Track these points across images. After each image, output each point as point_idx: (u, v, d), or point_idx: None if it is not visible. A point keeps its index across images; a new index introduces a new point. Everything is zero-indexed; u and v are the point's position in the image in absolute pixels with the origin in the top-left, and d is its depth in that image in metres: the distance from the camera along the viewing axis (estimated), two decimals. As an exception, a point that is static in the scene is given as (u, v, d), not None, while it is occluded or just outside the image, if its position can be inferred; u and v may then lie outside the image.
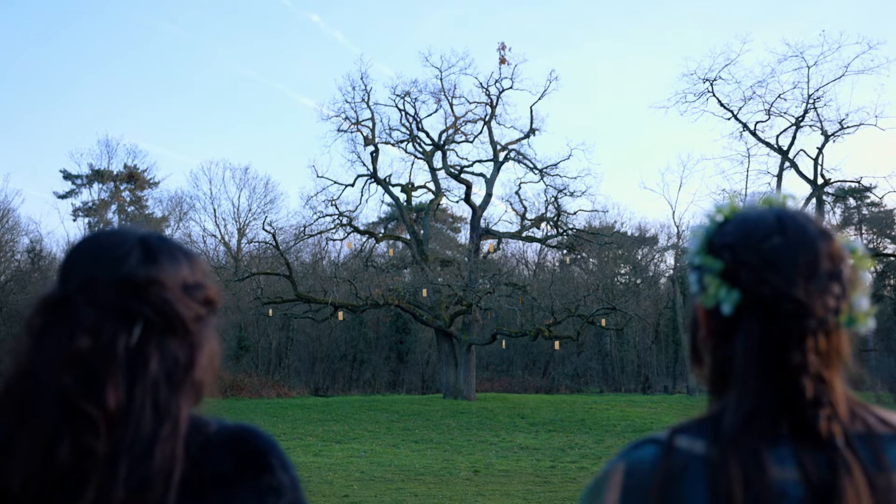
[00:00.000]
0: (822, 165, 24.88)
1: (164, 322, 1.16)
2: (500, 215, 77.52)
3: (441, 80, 34.56)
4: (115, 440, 1.09)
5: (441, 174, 35.44)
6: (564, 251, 40.02)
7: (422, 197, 37.66)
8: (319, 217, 34.53)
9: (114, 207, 50.06)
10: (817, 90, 24.65)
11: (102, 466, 1.08)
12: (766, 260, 1.13)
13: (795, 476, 1.06)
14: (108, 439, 1.08)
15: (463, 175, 35.00)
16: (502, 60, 34.47)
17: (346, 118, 34.67)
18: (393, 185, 35.45)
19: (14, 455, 1.08)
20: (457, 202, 37.38)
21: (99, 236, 1.22)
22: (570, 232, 35.69)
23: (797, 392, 1.09)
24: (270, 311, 33.73)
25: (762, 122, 25.62)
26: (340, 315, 32.39)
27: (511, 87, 34.71)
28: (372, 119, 34.84)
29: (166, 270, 1.19)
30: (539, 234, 36.49)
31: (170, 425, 1.13)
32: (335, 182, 34.86)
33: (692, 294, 1.23)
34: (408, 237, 35.67)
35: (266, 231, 32.50)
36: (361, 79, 34.64)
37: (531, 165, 35.01)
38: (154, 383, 1.13)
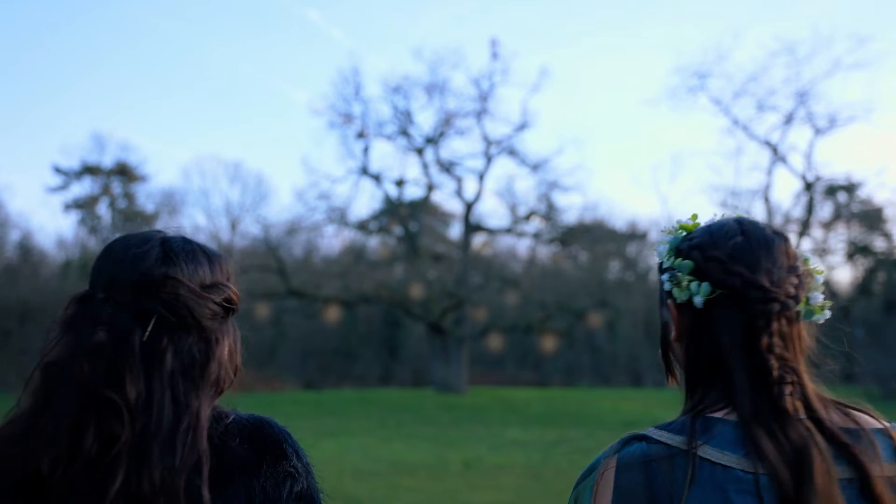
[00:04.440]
0: (812, 161, 24.95)
1: (178, 319, 1.24)
2: (491, 210, 77.59)
3: (433, 74, 34.57)
4: (139, 429, 1.16)
5: (433, 169, 35.46)
6: (556, 247, 40.10)
7: (413, 192, 37.66)
8: (311, 212, 34.52)
9: (105, 202, 49.89)
10: (808, 86, 24.72)
11: (128, 454, 1.15)
12: (732, 255, 1.27)
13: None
14: (132, 428, 1.15)
15: (454, 170, 35.02)
16: (494, 56, 34.48)
17: (338, 113, 34.64)
18: (385, 180, 35.45)
19: (42, 438, 1.15)
20: (449, 197, 37.43)
21: (126, 238, 1.32)
22: (561, 227, 35.75)
23: (766, 372, 1.22)
24: (264, 310, 33.70)
25: (753, 117, 25.65)
26: (333, 313, 32.40)
27: (503, 83, 34.76)
28: (364, 114, 34.82)
29: (183, 270, 1.29)
30: (530, 229, 36.56)
31: (189, 417, 1.20)
32: (327, 177, 34.84)
33: (662, 297, 1.37)
34: (399, 232, 35.67)
35: (258, 226, 32.47)
36: (353, 74, 34.62)
37: (523, 160, 35.05)
38: (171, 377, 1.21)
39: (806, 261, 1.34)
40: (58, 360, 1.19)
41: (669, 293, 1.33)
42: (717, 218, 1.40)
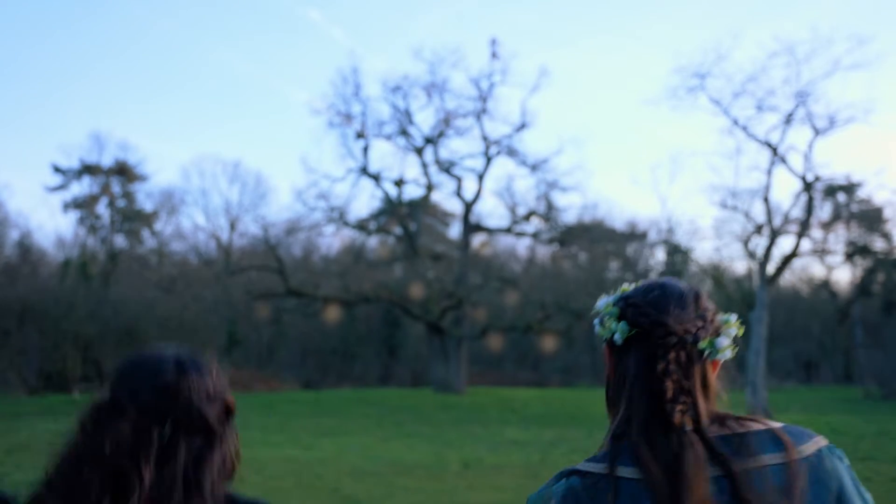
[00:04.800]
0: (812, 161, 24.92)
1: (191, 420, 1.49)
2: (490, 210, 77.59)
3: (432, 74, 34.56)
4: None
5: (432, 169, 35.45)
6: (555, 246, 40.09)
7: (413, 191, 37.67)
8: (310, 211, 34.51)
9: (104, 201, 49.86)
10: (808, 86, 24.70)
11: None
12: (648, 302, 1.56)
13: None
14: None
15: (454, 170, 35.01)
16: (494, 55, 34.47)
17: (338, 112, 34.62)
18: (384, 180, 35.44)
19: None
20: (448, 197, 37.42)
21: (142, 355, 1.57)
22: (560, 227, 35.75)
23: (662, 393, 1.47)
24: (264, 309, 33.72)
25: (752, 117, 25.62)
26: (332, 313, 32.39)
27: (502, 82, 34.76)
28: (363, 113, 34.80)
29: (193, 381, 1.53)
30: (530, 229, 36.55)
31: (198, 499, 1.43)
32: (326, 176, 34.82)
33: (597, 338, 1.66)
34: (399, 232, 35.66)
35: (257, 225, 32.46)
36: (353, 73, 34.60)
37: (522, 160, 35.05)
38: (184, 467, 1.44)
39: (718, 312, 1.61)
40: (84, 449, 1.43)
41: (601, 336, 1.65)
42: (652, 279, 1.67)
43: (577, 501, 1.46)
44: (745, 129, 25.50)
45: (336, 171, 70.52)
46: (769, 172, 25.40)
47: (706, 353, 1.54)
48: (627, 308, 1.58)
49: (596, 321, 1.66)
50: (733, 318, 1.62)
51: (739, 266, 51.23)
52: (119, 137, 76.92)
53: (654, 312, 1.54)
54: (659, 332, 1.52)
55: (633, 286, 1.66)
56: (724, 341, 1.56)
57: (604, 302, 1.66)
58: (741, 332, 1.61)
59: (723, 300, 49.00)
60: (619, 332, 1.57)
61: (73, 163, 49.53)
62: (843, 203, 47.45)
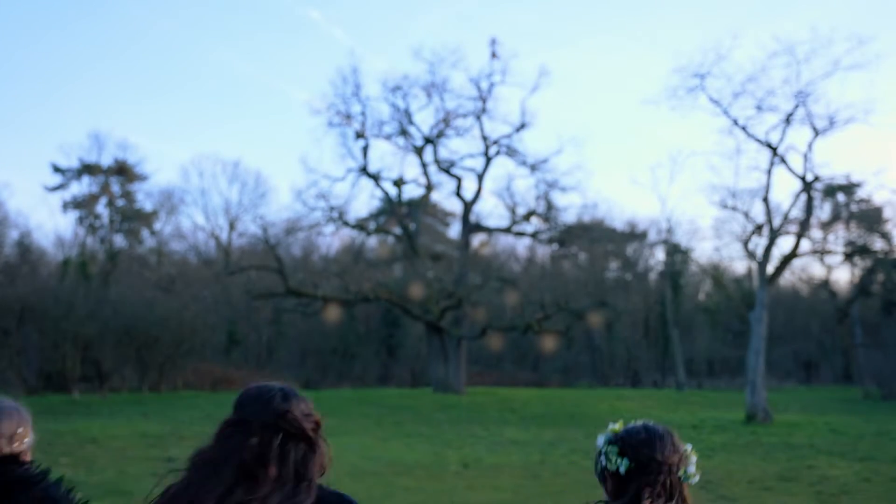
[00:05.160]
0: (811, 161, 24.89)
1: (296, 433, 2.07)
2: (490, 210, 77.55)
3: (432, 74, 34.55)
4: (279, 495, 1.97)
5: (432, 168, 35.44)
6: (555, 246, 40.11)
7: (412, 191, 37.65)
8: (310, 211, 34.50)
9: (103, 201, 49.84)
10: (807, 86, 24.68)
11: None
12: (640, 442, 2.23)
13: None
14: (271, 495, 1.96)
15: (453, 169, 35.00)
16: (493, 55, 34.46)
17: (337, 112, 34.60)
18: (384, 180, 35.43)
19: (205, 495, 1.92)
20: (447, 197, 37.44)
21: (258, 387, 2.16)
22: (560, 227, 35.74)
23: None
24: (264, 309, 33.69)
25: (752, 117, 25.58)
26: (331, 313, 32.37)
27: (502, 82, 34.73)
28: (363, 113, 34.78)
29: (295, 406, 2.11)
30: (529, 229, 36.54)
31: (305, 486, 2.04)
32: (326, 176, 34.81)
33: (600, 470, 2.32)
34: (398, 232, 35.65)
35: (257, 225, 32.45)
36: (352, 73, 34.59)
37: (522, 160, 35.04)
38: (294, 464, 2.04)
39: (684, 446, 2.28)
40: (219, 451, 1.99)
41: (605, 467, 2.28)
42: (632, 424, 2.34)
43: None
44: (744, 129, 25.49)
45: (336, 170, 70.44)
46: (769, 172, 25.38)
47: (682, 479, 2.24)
48: (627, 448, 2.24)
49: (601, 457, 2.31)
50: (690, 447, 2.30)
51: (739, 266, 51.26)
52: (119, 137, 76.80)
53: (648, 451, 2.21)
54: (653, 466, 2.20)
55: (620, 426, 2.34)
56: (692, 469, 2.26)
57: (602, 440, 2.33)
58: (696, 456, 2.30)
59: (723, 300, 49.08)
60: (623, 465, 2.23)
61: (72, 162, 49.51)
62: (843, 203, 47.43)
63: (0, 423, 2.29)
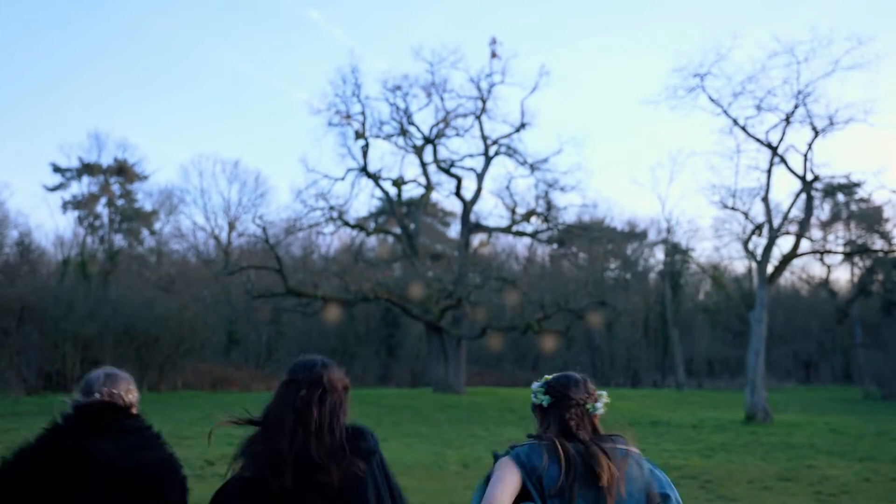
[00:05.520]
0: (811, 161, 24.88)
1: (329, 389, 2.79)
2: (490, 210, 77.55)
3: (432, 74, 34.54)
4: (322, 430, 2.70)
5: (431, 168, 35.43)
6: (554, 246, 40.09)
7: (412, 191, 37.62)
8: (310, 211, 34.49)
9: (103, 201, 49.84)
10: (807, 86, 24.66)
11: (315, 437, 2.67)
12: (559, 385, 2.94)
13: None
14: (317, 428, 2.70)
15: (453, 169, 34.99)
16: (493, 55, 34.46)
17: (337, 112, 34.59)
18: (383, 180, 35.41)
19: (279, 435, 2.67)
20: (447, 196, 37.38)
21: (306, 358, 2.92)
22: (560, 227, 35.72)
23: (569, 426, 2.84)
24: (264, 311, 33.66)
25: (752, 117, 25.56)
26: (331, 313, 32.34)
27: (502, 82, 34.71)
28: (363, 113, 34.76)
29: (330, 371, 2.84)
30: (529, 229, 36.52)
31: (338, 424, 2.76)
32: (326, 176, 34.79)
33: (533, 404, 3.02)
34: (398, 231, 35.64)
35: (256, 225, 32.41)
36: (352, 72, 34.58)
37: (522, 160, 35.02)
38: (330, 408, 2.76)
39: (595, 388, 3.01)
40: (281, 403, 2.75)
41: (534, 403, 3.00)
42: (559, 374, 3.07)
43: (518, 459, 2.77)
44: (744, 128, 25.49)
45: (336, 170, 70.39)
46: (769, 172, 25.38)
47: (590, 410, 2.93)
48: (549, 388, 2.98)
49: (533, 395, 3.02)
50: (605, 392, 3.00)
51: (739, 266, 51.26)
52: (118, 137, 76.85)
53: (563, 390, 2.94)
54: (566, 400, 2.92)
55: (552, 376, 3.05)
56: (599, 405, 2.96)
57: (537, 385, 3.03)
58: (608, 398, 3.01)
59: (722, 300, 49.07)
60: (546, 401, 2.96)
61: (72, 162, 49.52)
62: (843, 203, 47.46)
63: (119, 384, 3.12)
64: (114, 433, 2.87)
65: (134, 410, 3.13)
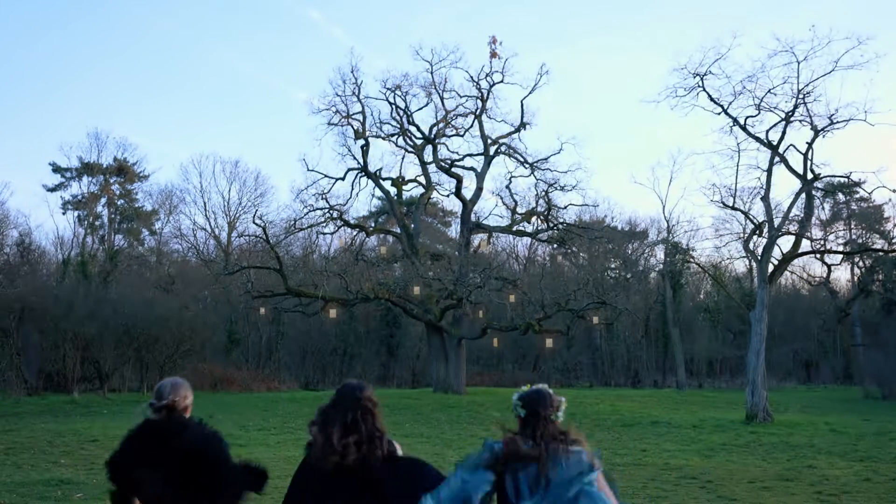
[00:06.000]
0: (811, 160, 24.85)
1: (366, 409, 3.76)
2: (490, 209, 77.50)
3: (432, 73, 34.51)
4: (369, 445, 3.69)
5: (431, 168, 35.38)
6: (555, 246, 40.06)
7: (412, 191, 37.57)
8: (310, 211, 34.46)
9: (103, 200, 49.84)
10: (807, 85, 24.63)
11: (362, 448, 3.67)
12: (532, 400, 3.91)
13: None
14: (364, 439, 3.69)
15: (453, 169, 34.94)
16: (493, 54, 34.41)
17: (337, 111, 34.56)
18: (383, 179, 35.35)
19: (326, 443, 3.66)
20: (447, 196, 37.30)
21: (345, 384, 3.92)
22: (560, 226, 35.68)
23: (535, 431, 3.81)
24: (263, 310, 33.61)
25: (752, 116, 25.51)
26: (332, 313, 32.29)
27: (502, 81, 34.68)
28: (363, 112, 34.73)
29: (365, 393, 3.81)
30: (529, 229, 36.49)
31: (378, 437, 3.73)
32: (326, 176, 34.75)
33: (514, 413, 3.95)
34: (398, 231, 35.62)
35: (257, 225, 32.35)
36: (352, 72, 34.55)
37: (522, 159, 34.98)
38: (366, 424, 3.72)
39: (559, 401, 3.88)
40: (327, 414, 3.75)
41: (516, 413, 3.88)
42: (532, 387, 3.99)
43: (492, 452, 3.72)
44: (744, 128, 25.47)
45: (335, 170, 70.28)
46: (769, 172, 25.35)
47: (553, 419, 3.80)
48: (524, 402, 3.86)
49: (514, 406, 3.91)
50: (563, 399, 3.90)
51: (739, 265, 51.26)
52: (118, 136, 76.91)
53: (534, 405, 3.83)
54: (538, 412, 3.80)
55: (527, 388, 3.99)
56: (560, 413, 3.83)
57: (516, 398, 3.92)
58: (566, 403, 3.92)
59: (723, 300, 49.06)
60: (522, 413, 3.85)
61: (72, 162, 49.52)
62: (843, 202, 47.48)
63: (179, 391, 4.25)
64: (175, 435, 4.03)
65: (188, 412, 4.26)
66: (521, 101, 34.79)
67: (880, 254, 42.88)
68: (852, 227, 49.02)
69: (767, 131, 25.16)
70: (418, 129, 35.12)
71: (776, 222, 25.30)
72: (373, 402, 3.81)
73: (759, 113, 25.19)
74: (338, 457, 3.62)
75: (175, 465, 3.92)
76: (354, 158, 34.91)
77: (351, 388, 3.85)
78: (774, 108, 24.93)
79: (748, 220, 27.91)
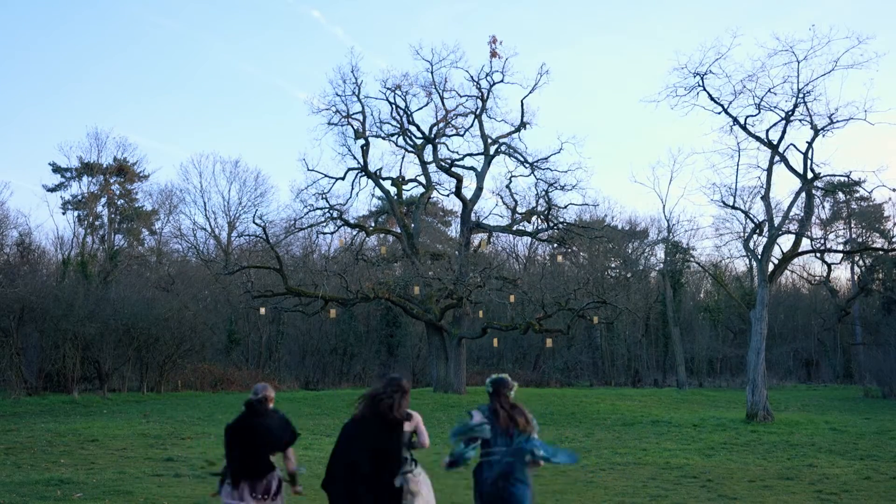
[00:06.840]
0: (811, 160, 24.82)
1: (403, 392, 6.21)
2: (490, 209, 77.55)
3: (432, 73, 34.51)
4: (399, 427, 6.16)
5: (432, 168, 35.38)
6: (555, 245, 40.04)
7: (412, 190, 37.59)
8: (310, 210, 34.45)
9: (103, 200, 49.84)
10: (807, 85, 24.61)
11: (390, 431, 6.14)
12: (496, 383, 6.54)
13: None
14: (396, 432, 6.15)
15: (453, 169, 34.94)
16: (493, 54, 34.40)
17: (337, 111, 34.56)
18: (383, 179, 35.36)
19: (364, 440, 6.14)
20: (447, 196, 37.33)
21: (389, 376, 6.43)
22: (560, 225, 35.68)
23: (502, 405, 6.42)
24: (262, 310, 33.62)
25: (752, 116, 25.49)
26: (332, 313, 32.30)
27: (502, 81, 34.67)
28: (363, 112, 34.73)
29: (402, 383, 6.27)
30: (529, 228, 36.48)
31: (406, 409, 6.25)
32: (326, 175, 34.74)
33: (487, 391, 6.65)
34: (398, 231, 35.61)
35: (257, 224, 32.35)
36: (352, 72, 34.54)
37: (522, 159, 34.99)
38: (401, 404, 6.18)
39: (513, 384, 6.57)
40: (373, 398, 6.18)
41: (487, 390, 6.55)
42: (499, 375, 6.66)
43: (481, 410, 6.38)
44: (744, 127, 25.46)
45: (335, 170, 70.26)
46: (769, 171, 25.34)
47: (507, 395, 6.38)
48: (492, 383, 6.48)
49: (486, 386, 6.55)
50: (515, 384, 6.56)
51: (739, 264, 51.31)
52: (118, 136, 76.96)
53: (497, 386, 6.43)
54: (499, 391, 6.41)
55: (495, 377, 6.55)
56: (512, 392, 6.43)
57: (489, 381, 6.53)
58: (517, 389, 6.56)
59: (723, 299, 49.07)
60: (490, 389, 6.46)
61: (72, 162, 49.52)
62: (843, 201, 47.51)
63: (268, 389, 6.72)
64: (262, 415, 6.57)
65: (271, 403, 6.73)
66: (522, 101, 34.83)
67: (880, 253, 42.93)
68: (852, 226, 49.05)
69: (767, 130, 25.16)
70: (418, 128, 35.15)
71: (776, 221, 25.29)
72: (406, 387, 6.19)
73: (759, 112, 25.17)
74: (396, 413, 6.01)
75: (274, 424, 6.61)
76: (354, 158, 34.94)
77: (397, 378, 6.24)
78: (774, 107, 24.92)
79: (748, 220, 27.94)
